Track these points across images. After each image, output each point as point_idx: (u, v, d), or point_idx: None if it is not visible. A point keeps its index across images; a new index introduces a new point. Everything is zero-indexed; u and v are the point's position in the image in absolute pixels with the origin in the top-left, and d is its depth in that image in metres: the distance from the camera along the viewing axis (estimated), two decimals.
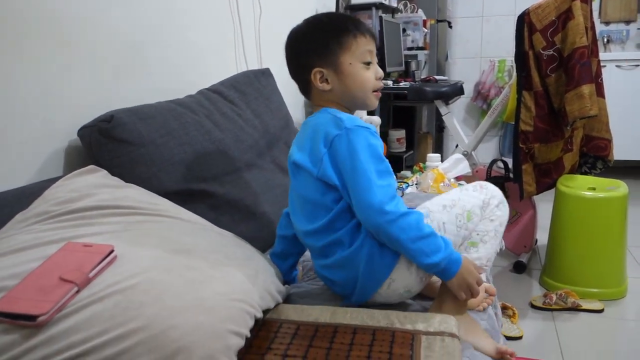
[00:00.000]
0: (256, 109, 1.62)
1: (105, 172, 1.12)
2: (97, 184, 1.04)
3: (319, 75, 1.07)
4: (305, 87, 1.12)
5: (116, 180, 1.10)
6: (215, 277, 0.82)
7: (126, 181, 1.12)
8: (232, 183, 1.40)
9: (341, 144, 1.00)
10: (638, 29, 4.06)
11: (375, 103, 1.12)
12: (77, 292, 0.73)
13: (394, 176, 1.04)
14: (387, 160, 1.04)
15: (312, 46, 1.07)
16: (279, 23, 2.35)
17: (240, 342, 0.78)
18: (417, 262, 1.00)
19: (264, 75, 1.76)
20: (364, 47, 1.07)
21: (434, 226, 1.07)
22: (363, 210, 0.98)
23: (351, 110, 1.13)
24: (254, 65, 2.16)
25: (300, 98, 2.70)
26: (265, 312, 0.96)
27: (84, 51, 1.26)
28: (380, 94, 1.13)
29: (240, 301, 0.82)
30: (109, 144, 1.16)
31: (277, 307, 1.02)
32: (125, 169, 1.18)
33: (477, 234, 1.11)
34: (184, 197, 1.24)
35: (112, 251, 0.80)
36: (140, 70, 1.47)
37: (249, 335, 0.82)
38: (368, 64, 1.08)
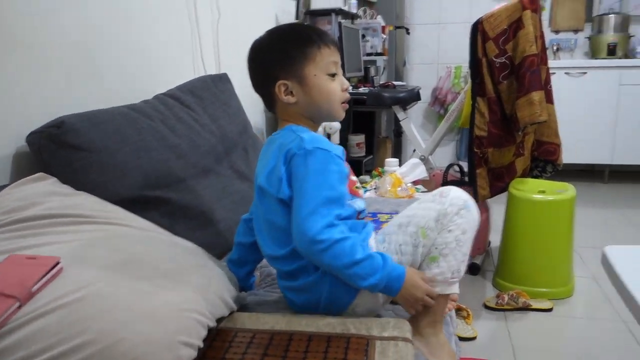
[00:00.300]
0: (213, 114, 1.61)
1: (54, 179, 1.09)
2: (45, 192, 1.01)
3: (283, 88, 1.04)
4: (270, 100, 1.09)
5: (66, 188, 1.08)
6: (166, 287, 0.81)
7: (77, 189, 1.10)
8: (188, 189, 1.38)
9: (297, 164, 0.98)
10: (586, 37, 4.24)
11: (342, 115, 1.10)
12: (19, 307, 0.71)
13: (345, 204, 1.01)
14: (342, 187, 1.01)
15: (275, 57, 1.05)
16: (238, 27, 2.34)
17: (192, 353, 0.78)
18: (355, 285, 0.99)
19: (222, 80, 1.75)
20: (329, 58, 1.05)
21: (391, 250, 1.06)
22: (296, 236, 0.96)
23: (317, 123, 1.12)
24: (212, 70, 2.14)
25: (259, 103, 2.69)
26: (220, 320, 0.96)
27: (32, 53, 1.22)
28: (347, 105, 1.10)
29: (192, 311, 0.81)
30: (60, 150, 1.13)
31: (232, 315, 1.02)
32: (77, 177, 1.15)
33: (436, 248, 1.05)
34: (138, 205, 1.22)
35: (57, 263, 0.78)
36: (93, 74, 1.43)
37: (201, 345, 0.82)
38: (333, 75, 1.06)
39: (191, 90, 1.59)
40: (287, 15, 2.97)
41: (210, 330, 0.87)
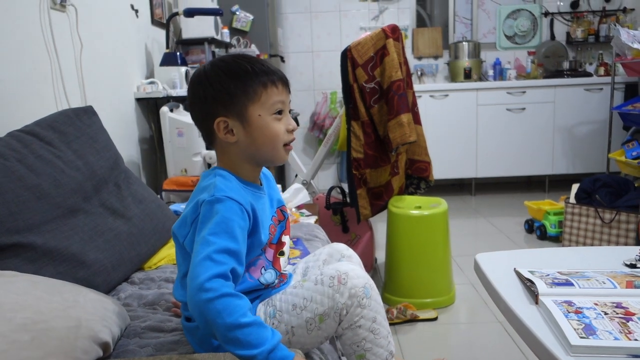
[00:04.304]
0: (79, 149, 1.49)
1: None
2: None
3: (223, 125, 0.97)
4: (209, 136, 1.02)
5: None
6: (22, 342, 0.71)
7: None
8: (53, 232, 1.27)
9: (204, 211, 0.92)
10: (445, 63, 4.63)
11: (285, 158, 1.03)
12: None
13: (242, 261, 0.93)
14: (243, 245, 0.93)
15: (216, 92, 0.96)
16: (104, 58, 2.22)
17: None
18: (232, 352, 0.86)
19: (87, 113, 1.63)
20: (276, 97, 0.98)
21: (281, 329, 0.99)
22: (188, 283, 0.88)
23: (258, 165, 1.05)
24: (77, 104, 2.01)
25: (132, 136, 2.57)
26: None
27: None
28: (292, 147, 1.05)
29: None
30: None
31: None
32: None
33: (357, 346, 1.00)
34: None
35: None
36: None
37: None
38: (280, 114, 0.99)
39: (51, 125, 1.47)
40: (158, 44, 2.88)
41: None
